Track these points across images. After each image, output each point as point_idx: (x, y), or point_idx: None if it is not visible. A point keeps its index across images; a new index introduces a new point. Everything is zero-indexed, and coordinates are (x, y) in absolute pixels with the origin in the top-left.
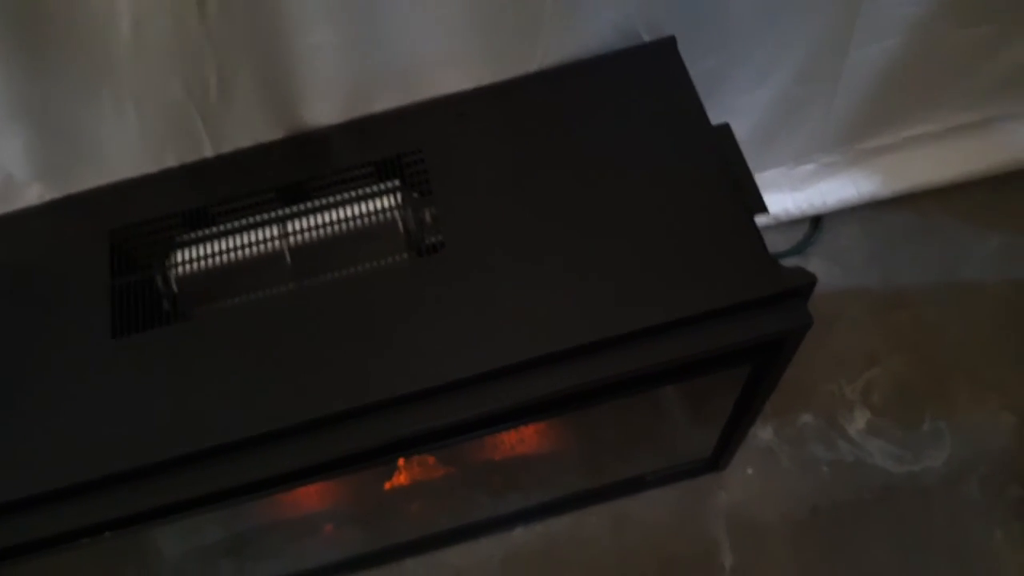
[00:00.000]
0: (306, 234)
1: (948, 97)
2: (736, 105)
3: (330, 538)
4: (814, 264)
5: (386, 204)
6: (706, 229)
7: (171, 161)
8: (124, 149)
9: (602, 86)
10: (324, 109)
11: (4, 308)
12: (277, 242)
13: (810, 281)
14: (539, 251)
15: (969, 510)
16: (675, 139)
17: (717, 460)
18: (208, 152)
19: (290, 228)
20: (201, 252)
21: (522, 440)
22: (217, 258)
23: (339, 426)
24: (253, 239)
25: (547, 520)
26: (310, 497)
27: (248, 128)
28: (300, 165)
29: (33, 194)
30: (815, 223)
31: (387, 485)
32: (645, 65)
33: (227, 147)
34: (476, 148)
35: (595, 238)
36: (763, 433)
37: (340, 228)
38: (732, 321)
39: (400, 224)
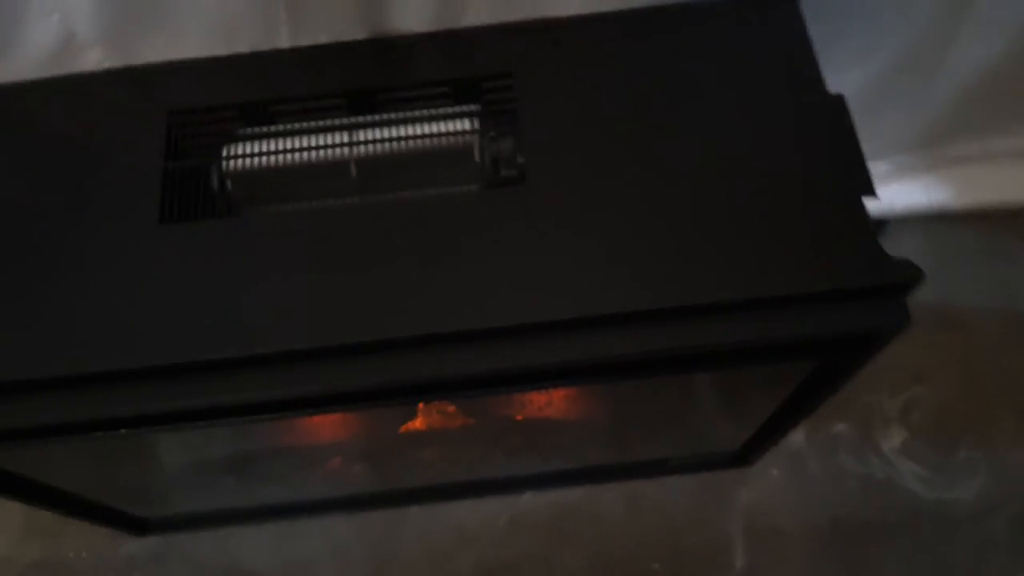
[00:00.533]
0: (375, 146)
1: None
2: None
3: (336, 473)
4: None
5: (464, 127)
6: (807, 203)
7: (243, 46)
8: (197, 24)
9: (713, 31)
10: (412, 13)
11: (50, 174)
12: (344, 150)
13: (918, 277)
14: (621, 203)
15: (994, 549)
16: (785, 100)
17: (745, 456)
18: (284, 42)
19: (360, 137)
20: (261, 148)
21: (551, 403)
22: (278, 157)
23: (372, 355)
24: (319, 143)
25: (560, 489)
26: (322, 427)
27: (330, 21)
28: (377, 72)
29: (92, 59)
30: (878, 225)
31: (402, 428)
32: (763, 16)
33: (305, 40)
34: (568, 81)
35: (685, 196)
36: (794, 436)
37: (411, 146)
38: (822, 308)
39: (476, 152)
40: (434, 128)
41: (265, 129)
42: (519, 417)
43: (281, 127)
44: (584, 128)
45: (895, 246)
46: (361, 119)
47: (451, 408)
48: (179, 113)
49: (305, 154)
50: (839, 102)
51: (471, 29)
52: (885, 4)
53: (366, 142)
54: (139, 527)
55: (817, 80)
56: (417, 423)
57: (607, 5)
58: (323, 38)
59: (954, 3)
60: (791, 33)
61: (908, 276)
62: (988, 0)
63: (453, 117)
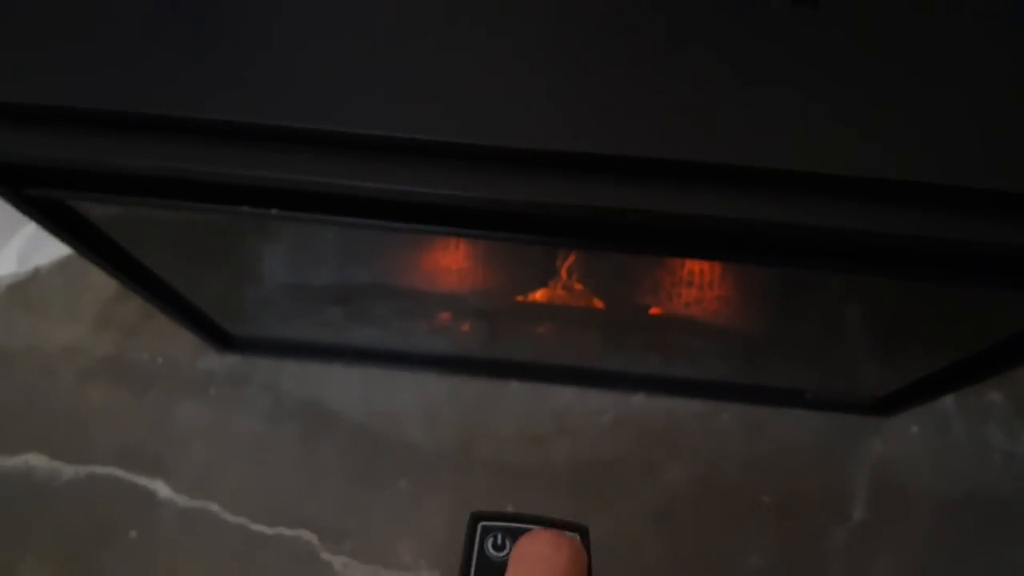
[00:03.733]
0: None
1: None
2: None
3: (443, 328)
4: None
5: None
6: None
7: None
8: None
9: None
10: None
11: None
12: None
13: None
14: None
15: None
16: None
17: (888, 406)
18: None
19: None
20: None
21: (701, 301)
22: None
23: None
24: None
25: (676, 398)
26: (449, 271)
27: None
28: None
29: None
30: None
31: (526, 297)
32: None
33: None
34: None
35: None
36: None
37: None
38: None
39: None
40: None
41: None
42: (654, 310)
43: None
44: None
45: None
46: None
47: (579, 286)
48: None
49: None
50: None
51: None
52: None
53: None
54: (223, 341)
55: None
56: (540, 295)
57: None
58: None
59: None
60: None
61: None
62: None
63: None
